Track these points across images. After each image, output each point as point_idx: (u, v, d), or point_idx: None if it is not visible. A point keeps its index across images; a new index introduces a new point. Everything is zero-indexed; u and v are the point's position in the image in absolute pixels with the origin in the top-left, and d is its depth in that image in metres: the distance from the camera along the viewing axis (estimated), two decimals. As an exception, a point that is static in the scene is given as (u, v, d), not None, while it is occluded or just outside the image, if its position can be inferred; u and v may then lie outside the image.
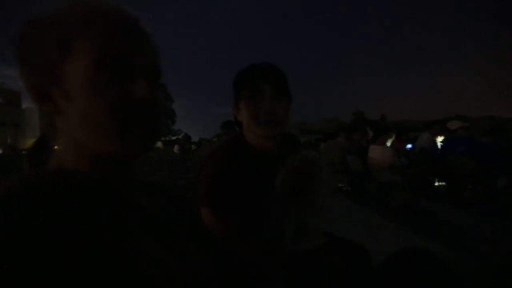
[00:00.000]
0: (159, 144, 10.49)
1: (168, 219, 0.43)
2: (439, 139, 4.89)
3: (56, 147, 0.38)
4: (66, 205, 0.30)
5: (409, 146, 4.79)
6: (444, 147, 4.20)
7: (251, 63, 0.91)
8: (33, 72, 0.35)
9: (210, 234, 0.54)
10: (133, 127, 0.35)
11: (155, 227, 0.39)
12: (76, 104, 0.34)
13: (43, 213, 0.28)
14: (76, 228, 0.29)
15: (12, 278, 0.22)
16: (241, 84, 0.88)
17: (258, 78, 0.85)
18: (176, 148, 10.55)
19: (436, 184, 4.46)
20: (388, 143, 4.24)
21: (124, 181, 0.39)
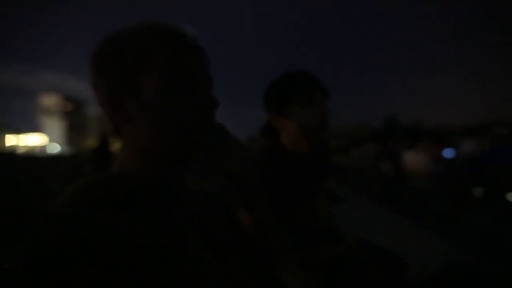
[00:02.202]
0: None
1: (214, 223, 0.44)
2: (483, 145, 4.38)
3: (118, 152, 0.40)
4: (129, 208, 0.33)
5: (447, 152, 4.36)
6: (489, 155, 3.76)
7: (286, 71, 0.90)
8: (110, 84, 0.37)
9: (249, 237, 0.53)
10: (198, 135, 0.38)
11: (203, 230, 0.41)
12: (148, 114, 0.37)
13: (109, 215, 0.30)
14: (136, 230, 0.30)
15: (82, 274, 0.24)
16: (287, 92, 0.86)
17: (307, 85, 0.85)
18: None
19: (478, 193, 3.99)
20: (424, 149, 3.90)
21: (179, 185, 0.42)
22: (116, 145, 0.41)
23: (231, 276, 0.39)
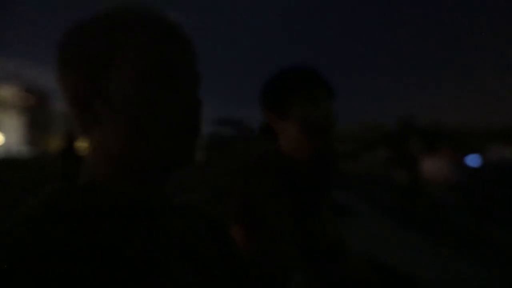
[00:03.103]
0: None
1: (196, 239, 0.44)
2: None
3: (86, 157, 0.39)
4: (94, 223, 0.32)
5: (472, 158, 4.41)
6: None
7: (284, 66, 0.90)
8: (76, 79, 0.36)
9: (241, 254, 0.54)
10: (180, 136, 0.37)
11: (183, 247, 0.40)
12: (118, 114, 0.36)
13: (71, 231, 0.29)
14: (101, 246, 0.30)
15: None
16: (286, 90, 0.85)
17: (310, 82, 0.84)
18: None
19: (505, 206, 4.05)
20: (445, 155, 3.95)
21: (158, 197, 0.40)
22: (84, 148, 0.40)
23: None
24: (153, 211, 0.39)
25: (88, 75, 0.36)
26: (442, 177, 3.39)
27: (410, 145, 5.95)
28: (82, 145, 0.40)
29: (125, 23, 0.36)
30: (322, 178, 0.94)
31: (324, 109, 0.83)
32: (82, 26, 0.37)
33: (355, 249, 0.95)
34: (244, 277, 0.50)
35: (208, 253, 0.43)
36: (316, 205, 0.94)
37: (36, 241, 0.27)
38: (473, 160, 4.43)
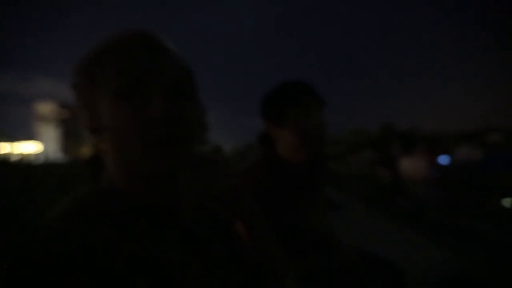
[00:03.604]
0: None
1: (208, 238, 0.42)
2: (477, 152, 4.43)
3: (106, 164, 0.39)
4: (120, 223, 0.32)
5: (442, 158, 4.38)
6: (484, 161, 3.79)
7: (282, 81, 0.90)
8: (80, 110, 0.38)
9: (246, 250, 0.52)
10: (154, 147, 0.33)
11: (196, 245, 0.39)
12: (108, 133, 0.35)
13: (99, 230, 0.30)
14: (125, 246, 0.30)
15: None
16: (283, 102, 0.85)
17: (304, 95, 0.84)
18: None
19: (506, 204, 4.00)
20: (420, 155, 3.92)
21: (171, 200, 0.39)
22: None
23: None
24: (166, 211, 0.38)
25: (84, 105, 0.37)
26: (419, 174, 3.37)
27: (391, 148, 5.92)
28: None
29: (95, 51, 0.36)
30: (315, 178, 0.94)
31: (316, 118, 0.84)
32: (76, 65, 0.38)
33: (344, 239, 0.94)
34: (247, 269, 0.48)
35: (217, 249, 0.42)
36: (310, 202, 0.93)
37: (65, 236, 0.28)
38: (444, 160, 4.41)
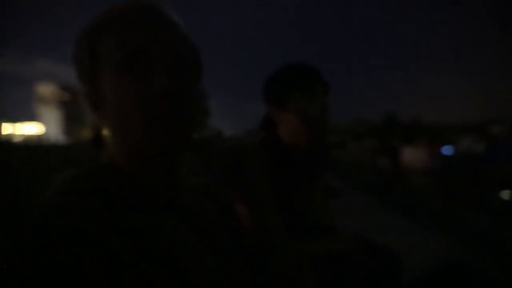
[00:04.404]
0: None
1: (209, 216, 0.42)
2: (480, 144, 4.41)
3: (108, 142, 0.39)
4: (118, 199, 0.32)
5: (445, 149, 4.37)
6: (486, 153, 3.78)
7: (285, 64, 0.88)
8: (82, 84, 0.36)
9: (246, 230, 0.52)
10: (156, 124, 0.32)
11: (197, 223, 0.38)
12: (109, 108, 0.34)
13: (97, 204, 0.29)
14: (124, 221, 0.30)
15: (65, 262, 0.24)
16: (287, 85, 0.83)
17: (309, 78, 0.82)
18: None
19: (506, 196, 4.03)
20: (423, 146, 3.91)
21: (172, 178, 0.38)
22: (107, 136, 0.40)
23: (225, 270, 0.38)
24: (167, 189, 0.37)
25: (85, 78, 0.36)
26: (420, 164, 3.38)
27: (392, 137, 5.90)
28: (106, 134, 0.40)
29: (97, 21, 0.35)
30: (316, 164, 0.94)
31: (320, 103, 0.82)
32: (77, 38, 0.36)
33: (343, 226, 0.95)
34: (247, 249, 0.48)
35: (217, 228, 0.42)
36: (310, 187, 0.93)
37: (63, 210, 0.28)
38: (447, 150, 4.40)
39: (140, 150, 0.34)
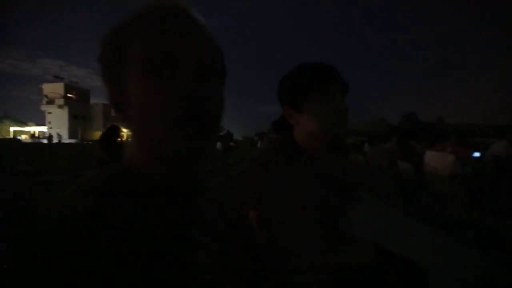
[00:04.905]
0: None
1: (224, 222, 0.43)
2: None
3: (127, 143, 0.41)
4: (138, 201, 0.33)
5: (476, 154, 4.19)
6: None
7: (301, 63, 0.86)
8: (106, 84, 0.38)
9: (258, 238, 0.53)
10: (180, 127, 0.34)
11: (212, 228, 0.39)
12: (134, 109, 0.35)
13: (116, 206, 0.31)
14: (142, 222, 0.31)
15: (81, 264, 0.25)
16: (304, 85, 0.82)
17: (326, 78, 0.81)
18: (218, 145, 10.99)
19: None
20: (448, 150, 3.77)
21: (187, 182, 0.40)
22: (123, 135, 0.41)
23: (237, 275, 0.38)
24: (186, 193, 0.38)
25: (110, 79, 0.37)
26: (445, 169, 3.25)
27: (414, 139, 5.74)
28: (121, 132, 0.41)
29: (125, 23, 0.36)
30: (333, 168, 0.92)
31: (338, 104, 0.80)
32: (103, 40, 0.37)
33: (361, 235, 0.92)
34: (258, 258, 0.49)
35: (231, 234, 0.43)
36: (328, 194, 0.91)
37: (86, 210, 0.29)
38: (475, 155, 4.22)
39: (162, 153, 0.35)
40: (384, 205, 4.16)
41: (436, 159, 3.39)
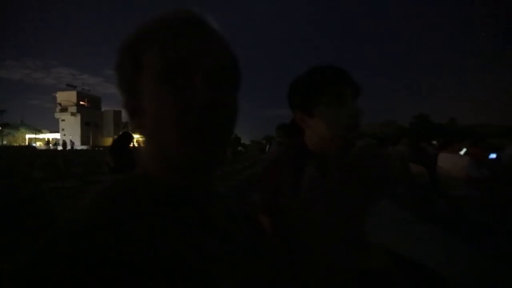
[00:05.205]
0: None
1: (237, 227, 0.43)
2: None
3: (143, 151, 0.41)
4: (141, 213, 0.32)
5: (493, 155, 4.05)
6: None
7: (312, 67, 0.86)
8: (122, 92, 0.38)
9: (269, 242, 0.52)
10: (194, 136, 0.34)
11: (225, 234, 0.39)
12: (148, 117, 0.36)
13: (123, 218, 0.30)
14: (159, 231, 0.31)
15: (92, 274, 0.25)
16: (315, 88, 0.81)
17: (338, 81, 0.79)
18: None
19: None
20: (462, 152, 3.66)
21: (201, 190, 0.40)
22: (136, 142, 0.41)
23: (251, 281, 0.38)
24: (200, 201, 0.38)
25: (126, 87, 0.37)
26: (459, 172, 3.16)
27: (427, 141, 5.59)
28: (135, 141, 0.42)
29: (141, 32, 0.36)
30: (345, 172, 0.90)
31: (350, 109, 0.78)
32: (119, 48, 0.38)
33: (374, 241, 0.90)
34: (272, 264, 0.48)
35: (240, 235, 0.42)
36: (339, 198, 0.90)
37: (109, 224, 0.29)
38: (492, 157, 4.09)
39: (176, 161, 0.35)
40: (396, 210, 4.06)
41: (450, 162, 3.30)
